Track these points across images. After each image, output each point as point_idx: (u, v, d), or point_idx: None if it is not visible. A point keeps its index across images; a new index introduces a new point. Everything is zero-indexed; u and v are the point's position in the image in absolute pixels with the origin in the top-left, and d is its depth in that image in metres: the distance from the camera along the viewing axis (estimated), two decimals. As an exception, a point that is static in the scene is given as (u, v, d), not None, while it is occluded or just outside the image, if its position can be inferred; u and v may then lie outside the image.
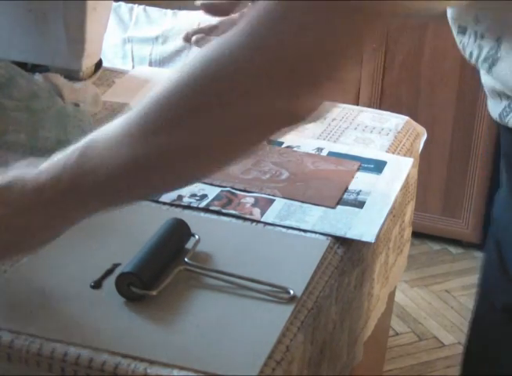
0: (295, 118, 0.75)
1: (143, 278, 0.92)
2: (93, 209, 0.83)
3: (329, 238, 1.08)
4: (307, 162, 1.29)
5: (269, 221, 1.11)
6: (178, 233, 1.03)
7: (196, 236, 1.03)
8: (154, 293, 0.92)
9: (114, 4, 2.07)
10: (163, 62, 2.08)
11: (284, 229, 1.10)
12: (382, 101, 2.64)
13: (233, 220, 1.12)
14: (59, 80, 1.38)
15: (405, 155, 1.38)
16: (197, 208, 1.13)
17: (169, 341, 0.87)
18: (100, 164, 0.78)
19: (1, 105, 1.27)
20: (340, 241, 1.08)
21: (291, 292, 0.95)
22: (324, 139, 1.40)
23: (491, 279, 1.04)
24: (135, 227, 1.07)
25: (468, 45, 0.93)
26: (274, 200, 1.17)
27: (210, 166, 0.79)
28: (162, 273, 0.95)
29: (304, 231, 1.10)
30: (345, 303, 1.08)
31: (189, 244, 1.03)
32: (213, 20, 1.17)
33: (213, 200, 1.16)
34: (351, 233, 1.09)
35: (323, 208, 1.15)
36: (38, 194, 0.81)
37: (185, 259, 0.99)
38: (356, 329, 1.16)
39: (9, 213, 0.83)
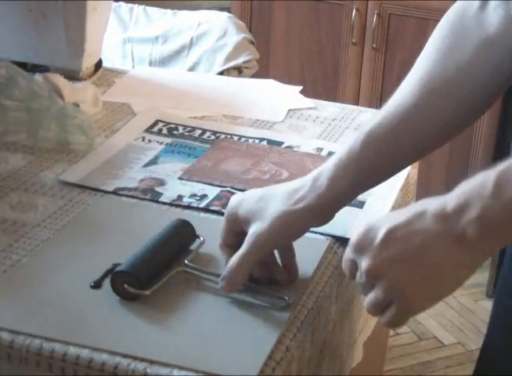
0: None
1: (138, 277, 0.92)
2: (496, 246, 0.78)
3: (329, 238, 1.09)
4: (307, 162, 1.29)
5: (269, 221, 1.11)
6: (181, 234, 1.02)
7: (201, 238, 1.03)
8: (147, 292, 0.92)
9: (114, 4, 2.07)
10: (163, 62, 2.07)
11: (284, 229, 1.10)
12: (382, 101, 2.64)
13: (233, 220, 1.11)
14: (59, 80, 1.38)
15: (405, 155, 1.38)
16: (197, 208, 1.13)
17: (169, 341, 0.87)
18: None
19: (1, 105, 1.28)
20: (341, 241, 1.08)
21: (288, 300, 0.94)
22: (324, 139, 1.39)
23: (508, 287, 1.03)
24: (135, 227, 1.07)
25: None
26: (274, 200, 1.16)
27: None
28: (161, 274, 0.95)
29: (304, 231, 1.09)
30: (345, 303, 1.08)
31: (194, 246, 1.02)
32: None
33: (213, 200, 1.16)
34: (351, 233, 1.09)
35: (323, 208, 1.15)
36: (448, 226, 0.77)
37: (185, 261, 0.99)
38: (356, 329, 1.16)
39: (415, 249, 0.78)
